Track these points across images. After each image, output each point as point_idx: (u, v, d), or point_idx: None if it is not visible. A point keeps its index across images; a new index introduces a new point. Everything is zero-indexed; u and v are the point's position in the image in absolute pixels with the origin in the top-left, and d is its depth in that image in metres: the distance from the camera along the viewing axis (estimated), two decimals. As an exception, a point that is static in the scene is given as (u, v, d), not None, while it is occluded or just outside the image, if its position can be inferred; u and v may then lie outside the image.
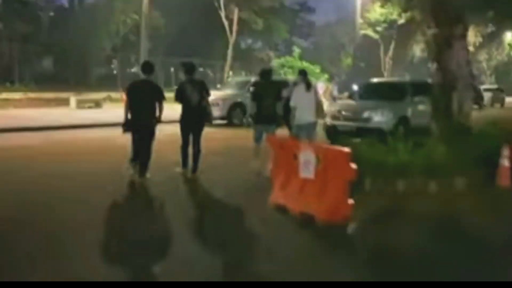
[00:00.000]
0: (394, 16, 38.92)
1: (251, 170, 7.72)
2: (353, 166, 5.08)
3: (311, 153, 5.43)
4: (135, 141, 7.18)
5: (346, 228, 5.22)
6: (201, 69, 43.53)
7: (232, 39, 27.79)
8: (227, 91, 17.68)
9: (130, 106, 7.07)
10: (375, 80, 14.05)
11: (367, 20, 39.55)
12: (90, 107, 20.94)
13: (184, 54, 36.17)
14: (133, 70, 35.70)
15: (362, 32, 40.31)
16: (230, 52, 28.21)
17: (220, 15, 30.68)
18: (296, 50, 32.58)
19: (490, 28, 49.27)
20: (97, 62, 33.41)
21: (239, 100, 16.13)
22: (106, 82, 32.02)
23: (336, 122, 11.19)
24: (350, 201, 5.27)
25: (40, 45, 29.37)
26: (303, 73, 8.49)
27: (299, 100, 8.01)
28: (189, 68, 7.57)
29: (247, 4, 30.89)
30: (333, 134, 11.37)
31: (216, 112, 15.63)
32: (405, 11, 38.74)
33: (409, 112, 11.23)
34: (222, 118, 15.93)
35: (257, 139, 7.93)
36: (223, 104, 15.94)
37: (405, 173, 7.30)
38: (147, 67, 7.39)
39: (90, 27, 30.27)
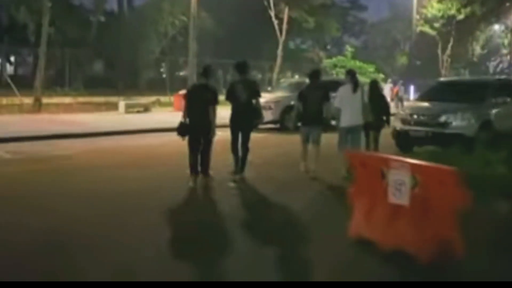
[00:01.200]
0: (453, 12, 36.77)
1: (300, 171, 7.79)
2: (465, 190, 3.88)
3: (404, 172, 4.24)
4: (193, 150, 7.01)
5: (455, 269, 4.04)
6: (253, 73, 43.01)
7: (282, 39, 26.66)
8: (279, 94, 16.56)
9: (188, 110, 7.04)
10: (450, 78, 12.63)
11: (424, 16, 37.47)
12: (139, 112, 20.44)
13: (232, 55, 35.46)
14: (182, 73, 35.32)
15: (419, 29, 38.18)
16: (280, 52, 27.13)
17: (270, 14, 29.67)
18: (349, 49, 31.17)
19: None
20: (146, 65, 33.17)
21: (292, 103, 14.89)
22: (155, 86, 31.73)
23: (408, 127, 9.86)
24: (458, 235, 4.06)
25: (90, 49, 29.36)
26: (351, 73, 8.09)
27: (344, 102, 7.68)
28: (242, 68, 7.35)
29: (297, 2, 29.71)
30: (404, 140, 10.10)
31: (268, 115, 14.62)
32: (464, 6, 36.52)
33: (492, 115, 9.75)
34: (274, 122, 14.87)
35: (304, 140, 7.88)
36: (275, 107, 14.89)
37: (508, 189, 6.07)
38: (206, 71, 7.24)
39: (139, 30, 30.04)
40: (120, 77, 30.13)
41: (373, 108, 8.21)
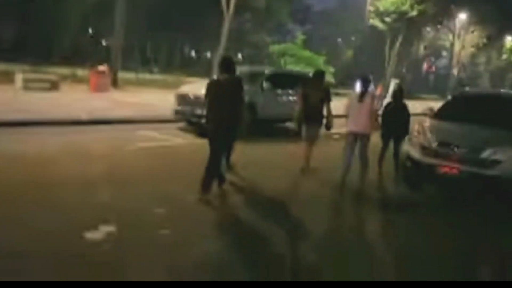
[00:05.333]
0: (406, 7, 34.97)
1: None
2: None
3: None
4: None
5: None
6: (186, 50, 38.55)
7: (229, 15, 22.84)
8: None
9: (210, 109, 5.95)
10: (478, 91, 9.78)
11: (376, 9, 35.31)
12: (43, 89, 15.78)
13: (168, 29, 31.10)
14: (107, 43, 30.38)
15: (370, 22, 36.02)
16: (225, 31, 23.29)
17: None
18: (300, 37, 28.06)
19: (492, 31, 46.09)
20: (63, 31, 27.95)
21: (252, 99, 11.26)
22: (74, 57, 26.80)
23: (433, 161, 6.71)
24: None
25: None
26: (362, 79, 7.22)
27: (351, 109, 7.16)
28: (227, 65, 5.91)
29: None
30: (421, 177, 7.03)
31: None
32: (418, 3, 34.86)
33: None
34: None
35: (306, 138, 7.92)
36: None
37: None
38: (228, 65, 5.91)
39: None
40: (29, 43, 24.84)
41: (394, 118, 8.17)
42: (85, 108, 12.13)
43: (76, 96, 14.79)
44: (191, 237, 4.54)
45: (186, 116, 11.33)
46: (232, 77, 5.85)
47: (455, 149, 6.61)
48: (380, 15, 35.59)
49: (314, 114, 7.81)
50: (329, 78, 27.11)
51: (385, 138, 8.36)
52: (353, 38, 43.45)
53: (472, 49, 47.47)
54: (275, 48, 28.55)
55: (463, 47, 45.96)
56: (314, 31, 48.08)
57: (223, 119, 5.74)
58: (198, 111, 10.96)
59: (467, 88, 24.98)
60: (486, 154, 6.39)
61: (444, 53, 53.88)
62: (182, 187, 6.19)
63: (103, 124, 10.63)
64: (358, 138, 7.07)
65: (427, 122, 7.50)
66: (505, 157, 6.31)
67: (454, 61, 48.07)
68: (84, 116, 10.88)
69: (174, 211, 5.23)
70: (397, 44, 37.55)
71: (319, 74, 8.26)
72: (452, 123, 7.30)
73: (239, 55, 34.81)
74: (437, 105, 8.49)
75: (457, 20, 42.49)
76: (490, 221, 6.32)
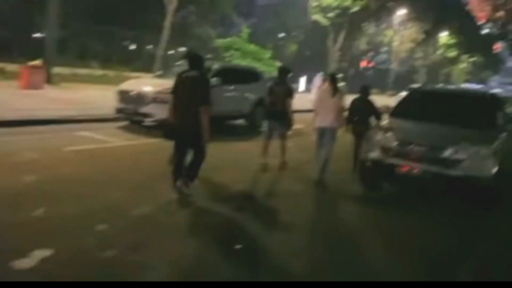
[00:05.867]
0: (348, 3, 35.36)
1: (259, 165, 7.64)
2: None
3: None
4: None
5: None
6: (126, 43, 36.91)
7: (172, 7, 21.88)
8: None
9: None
10: (435, 87, 9.58)
11: (318, 4, 35.46)
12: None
13: (108, 23, 29.56)
14: (37, 35, 28.45)
15: (313, 17, 36.14)
16: (168, 25, 22.33)
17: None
18: (245, 30, 27.51)
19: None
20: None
21: None
22: (2, 51, 24.84)
23: (395, 161, 6.44)
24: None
25: None
26: (331, 76, 7.56)
27: (320, 104, 7.38)
28: (196, 62, 5.79)
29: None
30: (380, 177, 6.78)
31: (161, 112, 10.26)
32: (361, -3, 35.34)
33: (506, 148, 6.74)
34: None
35: (268, 136, 7.95)
36: (172, 101, 10.56)
37: None
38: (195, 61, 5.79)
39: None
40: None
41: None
42: (14, 106, 11.00)
43: (3, 94, 13.47)
44: (142, 261, 3.92)
45: (129, 115, 10.58)
46: (200, 74, 5.69)
47: (416, 148, 6.37)
48: (322, 10, 35.80)
49: (279, 111, 7.77)
50: (275, 73, 26.91)
51: (355, 133, 8.15)
52: (295, 33, 43.42)
53: (411, 45, 49.07)
54: (220, 42, 27.86)
55: (402, 42, 47.31)
56: (258, 25, 47.78)
57: (189, 116, 5.46)
58: (142, 109, 10.28)
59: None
60: (447, 153, 6.19)
61: (384, 49, 55.29)
62: (127, 196, 5.55)
63: (34, 124, 9.57)
64: (325, 132, 7.19)
65: (386, 120, 7.22)
66: (466, 155, 6.13)
67: (393, 56, 49.47)
68: (9, 116, 9.76)
69: (119, 227, 4.58)
70: (340, 39, 37.94)
71: (284, 70, 8.19)
72: (411, 122, 7.08)
73: (183, 49, 33.79)
74: (379, 99, 8.46)
75: (396, 16, 43.56)
76: (451, 219, 6.13)
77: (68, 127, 9.79)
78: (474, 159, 6.11)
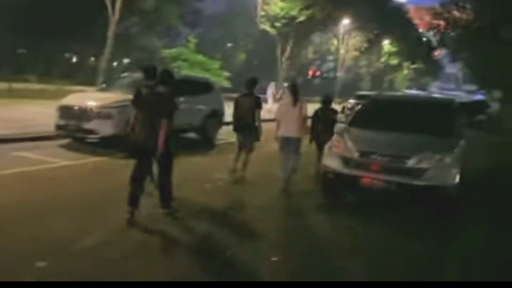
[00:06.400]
0: (294, 12, 35.62)
1: (228, 168, 7.78)
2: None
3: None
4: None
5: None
6: (68, 55, 35.33)
7: (115, 18, 21.06)
8: (122, 94, 11.02)
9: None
10: (394, 95, 9.41)
11: (266, 14, 35.49)
12: None
13: (47, 34, 28.02)
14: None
15: (261, 26, 36.11)
16: (111, 35, 21.46)
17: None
18: (192, 41, 27.01)
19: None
20: None
21: None
22: None
23: (358, 172, 6.18)
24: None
25: None
26: (292, 85, 7.60)
27: (282, 114, 7.32)
28: (166, 77, 5.59)
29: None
30: (341, 187, 6.54)
31: (106, 128, 9.69)
32: (307, 8, 35.70)
33: (466, 154, 6.67)
34: (115, 137, 9.84)
35: (238, 147, 7.89)
36: (118, 115, 9.86)
37: None
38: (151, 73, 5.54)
39: None
40: None
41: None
42: None
43: None
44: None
45: (71, 132, 9.84)
46: (169, 90, 5.43)
47: (378, 159, 6.14)
48: (270, 19, 35.85)
49: (246, 123, 7.77)
50: (225, 83, 26.56)
51: (317, 143, 8.23)
52: (243, 43, 43.32)
53: (355, 53, 50.22)
54: (166, 52, 27.16)
55: (347, 51, 48.33)
56: (205, 35, 47.26)
57: (156, 132, 5.18)
58: (86, 125, 9.58)
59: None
60: (411, 162, 6.01)
61: (330, 57, 56.33)
62: (69, 225, 4.93)
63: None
64: (289, 142, 7.14)
65: (346, 130, 6.98)
66: (430, 164, 5.98)
67: (339, 64, 50.43)
68: None
69: (61, 264, 3.99)
70: (288, 49, 38.13)
71: (251, 81, 8.03)
72: (371, 131, 6.90)
73: (127, 60, 32.71)
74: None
75: (341, 25, 44.46)
76: (416, 226, 5.92)
77: (2, 147, 8.92)
78: (438, 168, 5.96)
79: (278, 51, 38.05)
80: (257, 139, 7.88)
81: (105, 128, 9.58)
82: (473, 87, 47.60)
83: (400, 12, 52.94)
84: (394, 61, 58.98)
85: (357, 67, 62.06)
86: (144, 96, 5.37)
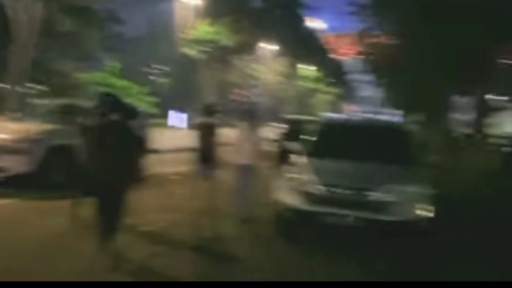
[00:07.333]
0: (221, 37, 35.31)
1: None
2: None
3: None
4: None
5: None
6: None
7: (24, 43, 19.38)
8: (38, 125, 9.34)
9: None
10: (350, 119, 8.82)
11: (189, 38, 34.80)
12: None
13: None
14: None
15: (183, 50, 35.34)
16: (19, 60, 19.67)
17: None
18: (115, 65, 25.70)
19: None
20: None
21: (64, 141, 8.73)
22: None
23: (319, 208, 5.59)
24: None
25: None
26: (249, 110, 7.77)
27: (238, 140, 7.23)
28: (118, 106, 4.98)
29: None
30: (303, 230, 5.92)
31: (19, 164, 8.37)
32: (236, 33, 35.64)
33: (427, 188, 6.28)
34: (32, 175, 8.48)
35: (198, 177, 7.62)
36: (35, 148, 8.55)
37: None
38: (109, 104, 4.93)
39: None
40: None
41: None
42: None
43: None
44: None
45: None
46: (123, 119, 4.95)
47: (341, 192, 5.60)
48: (193, 43, 35.19)
49: (206, 152, 7.53)
50: (154, 110, 25.44)
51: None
52: (168, 68, 42.30)
53: (279, 77, 51.07)
54: (86, 77, 25.53)
55: (271, 75, 49.05)
56: (127, 59, 45.52)
57: (112, 166, 4.74)
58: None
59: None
60: (375, 196, 5.51)
61: (255, 82, 56.80)
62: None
63: None
64: (245, 169, 7.09)
65: (301, 161, 6.39)
66: (396, 197, 5.53)
67: (263, 89, 50.97)
68: None
69: None
70: (213, 73, 37.66)
71: (208, 107, 7.93)
72: (328, 160, 6.34)
73: (40, 87, 30.31)
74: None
75: (265, 51, 45.20)
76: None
77: None
78: (404, 202, 5.51)
79: (202, 75, 37.40)
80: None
81: (15, 165, 8.32)
82: (394, 111, 49.87)
83: (321, 41, 55.04)
84: (315, 86, 60.77)
85: (281, 91, 63.13)
86: (93, 128, 4.89)
